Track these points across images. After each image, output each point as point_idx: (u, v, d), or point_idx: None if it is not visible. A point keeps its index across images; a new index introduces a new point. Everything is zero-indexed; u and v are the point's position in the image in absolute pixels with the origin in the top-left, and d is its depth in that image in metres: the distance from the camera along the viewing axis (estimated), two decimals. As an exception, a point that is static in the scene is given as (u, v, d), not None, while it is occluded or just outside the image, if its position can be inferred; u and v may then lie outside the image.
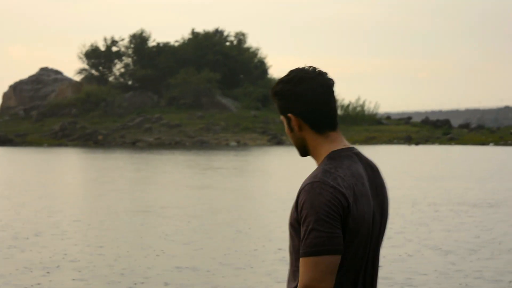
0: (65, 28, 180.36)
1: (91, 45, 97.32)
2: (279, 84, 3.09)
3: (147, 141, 74.32)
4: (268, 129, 78.32)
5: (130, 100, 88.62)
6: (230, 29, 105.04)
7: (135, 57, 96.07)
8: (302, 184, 2.97)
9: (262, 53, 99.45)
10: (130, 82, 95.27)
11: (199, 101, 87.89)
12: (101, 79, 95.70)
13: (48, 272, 12.24)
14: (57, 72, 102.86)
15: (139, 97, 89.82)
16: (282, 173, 36.69)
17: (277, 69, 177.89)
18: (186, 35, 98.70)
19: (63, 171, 38.61)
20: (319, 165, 3.02)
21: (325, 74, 3.07)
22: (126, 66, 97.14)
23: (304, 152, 3.13)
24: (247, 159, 49.26)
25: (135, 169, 39.82)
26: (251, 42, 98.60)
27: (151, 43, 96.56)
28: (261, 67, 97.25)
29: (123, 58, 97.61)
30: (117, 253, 14.09)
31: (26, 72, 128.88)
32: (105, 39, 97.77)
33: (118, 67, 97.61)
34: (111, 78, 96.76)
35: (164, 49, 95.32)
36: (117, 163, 45.03)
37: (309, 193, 2.90)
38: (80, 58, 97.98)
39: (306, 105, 3.02)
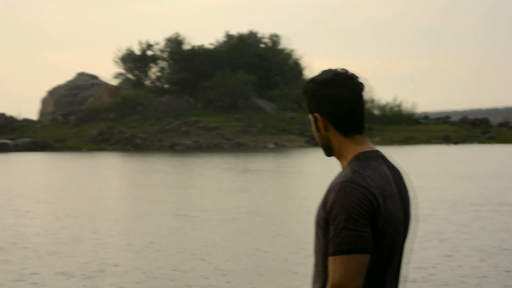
0: (101, 33, 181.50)
1: (127, 50, 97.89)
2: (310, 83, 3.13)
3: (185, 144, 74.57)
4: (306, 130, 78.19)
5: (167, 103, 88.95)
6: (264, 31, 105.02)
7: (170, 61, 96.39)
8: (331, 184, 3.00)
9: (297, 54, 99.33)
10: (166, 86, 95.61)
11: (236, 103, 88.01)
12: (138, 83, 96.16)
13: (89, 278, 12.32)
14: (94, 77, 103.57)
15: (176, 101, 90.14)
16: (320, 175, 36.62)
17: (313, 70, 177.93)
18: (221, 37, 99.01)
19: (102, 176, 38.85)
20: (347, 165, 3.05)
21: (356, 78, 3.09)
22: (161, 69, 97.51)
23: (329, 152, 3.16)
24: (285, 161, 49.24)
25: (174, 172, 39.98)
26: (286, 43, 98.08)
27: (186, 46, 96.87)
28: (296, 68, 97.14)
29: (159, 61, 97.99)
30: (157, 257, 14.16)
31: (63, 77, 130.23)
32: (140, 43, 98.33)
33: (154, 71, 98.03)
34: (147, 82, 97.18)
35: (199, 52, 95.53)
36: (156, 166, 45.23)
37: (339, 192, 2.93)
38: (116, 62, 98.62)
39: (333, 107, 3.04)
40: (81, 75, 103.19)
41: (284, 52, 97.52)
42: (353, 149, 3.07)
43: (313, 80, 3.11)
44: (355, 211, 2.90)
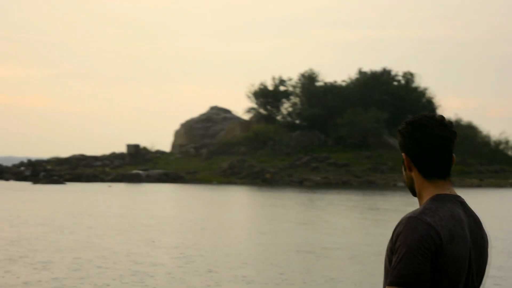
0: (235, 67, 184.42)
1: (260, 85, 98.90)
2: (404, 124, 3.25)
3: (314, 180, 74.51)
4: (436, 170, 76.86)
5: (298, 139, 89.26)
6: (397, 69, 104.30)
7: (302, 97, 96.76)
8: (400, 220, 3.09)
9: (430, 92, 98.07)
10: (297, 121, 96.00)
11: (366, 140, 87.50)
12: (269, 118, 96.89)
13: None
14: (227, 111, 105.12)
15: (307, 136, 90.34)
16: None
17: (446, 109, 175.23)
18: (353, 74, 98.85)
19: (230, 208, 39.19)
20: (423, 204, 3.13)
21: (449, 126, 3.18)
22: (293, 105, 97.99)
23: (413, 192, 3.27)
24: (413, 200, 48.44)
25: (301, 208, 39.94)
26: (419, 81, 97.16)
27: (319, 82, 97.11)
28: (429, 106, 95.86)
29: (291, 97, 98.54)
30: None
31: (197, 110, 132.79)
32: (273, 79, 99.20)
33: (285, 106, 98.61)
34: (278, 117, 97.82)
35: (331, 88, 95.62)
36: (284, 202, 45.33)
37: (405, 226, 3.02)
38: (249, 97, 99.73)
39: (417, 149, 3.16)
40: (214, 108, 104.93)
41: (417, 90, 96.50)
42: (432, 191, 3.16)
43: (407, 121, 3.23)
44: (416, 247, 2.98)
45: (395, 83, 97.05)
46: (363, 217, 32.98)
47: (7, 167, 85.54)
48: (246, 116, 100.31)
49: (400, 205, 42.19)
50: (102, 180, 76.80)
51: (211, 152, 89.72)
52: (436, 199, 3.12)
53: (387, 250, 3.13)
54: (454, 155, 3.22)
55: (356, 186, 71.18)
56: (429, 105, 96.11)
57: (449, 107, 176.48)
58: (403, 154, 3.22)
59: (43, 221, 29.28)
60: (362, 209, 38.37)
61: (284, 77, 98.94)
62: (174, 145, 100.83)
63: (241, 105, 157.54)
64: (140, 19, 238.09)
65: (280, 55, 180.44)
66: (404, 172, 3.27)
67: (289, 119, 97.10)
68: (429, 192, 3.16)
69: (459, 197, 3.17)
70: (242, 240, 23.85)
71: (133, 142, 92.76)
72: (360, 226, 28.53)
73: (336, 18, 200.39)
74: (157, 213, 34.15)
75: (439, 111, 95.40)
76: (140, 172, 79.16)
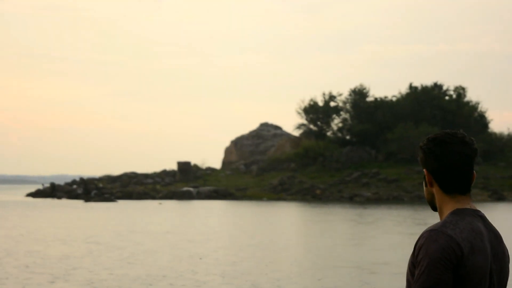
0: (285, 83, 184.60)
1: (310, 100, 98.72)
2: (425, 140, 3.33)
3: (365, 196, 74.09)
4: (488, 184, 76.00)
5: (348, 154, 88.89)
6: (449, 83, 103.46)
7: (353, 112, 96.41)
8: (422, 233, 3.15)
9: (482, 107, 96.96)
10: (347, 137, 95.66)
11: (417, 156, 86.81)
12: (319, 134, 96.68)
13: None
14: (277, 127, 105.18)
15: (357, 152, 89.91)
16: (505, 231, 35.27)
17: (498, 124, 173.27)
18: (404, 89, 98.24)
19: (280, 224, 39.10)
20: (444, 218, 3.20)
21: (470, 143, 3.25)
22: (343, 120, 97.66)
23: (433, 207, 3.34)
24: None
25: (350, 224, 39.70)
26: (471, 96, 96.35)
27: (369, 98, 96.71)
28: (481, 121, 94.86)
29: (341, 112, 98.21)
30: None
31: (247, 127, 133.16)
32: (323, 95, 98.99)
33: (336, 122, 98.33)
34: (329, 133, 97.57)
35: (381, 104, 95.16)
36: (333, 217, 45.13)
37: (426, 239, 3.09)
38: (299, 113, 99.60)
39: (438, 165, 3.23)
40: (264, 125, 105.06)
41: (469, 105, 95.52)
42: (452, 206, 3.23)
43: (428, 138, 3.32)
44: (437, 258, 3.04)
45: (447, 97, 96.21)
46: (412, 233, 32.65)
47: (59, 186, 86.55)
48: (296, 132, 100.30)
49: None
50: (153, 197, 77.27)
51: (261, 168, 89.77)
52: (456, 213, 3.19)
53: (408, 265, 3.19)
54: (475, 171, 3.29)
55: (406, 201, 70.62)
56: (481, 119, 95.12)
57: (501, 121, 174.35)
58: (424, 170, 3.31)
59: (92, 238, 29.51)
60: (411, 225, 38.01)
61: (334, 93, 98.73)
62: (224, 162, 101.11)
63: (291, 121, 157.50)
64: (191, 38, 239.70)
65: (330, 70, 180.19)
66: (425, 188, 3.34)
67: (339, 134, 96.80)
68: (450, 206, 3.23)
69: (479, 211, 3.24)
70: (290, 255, 23.78)
71: (183, 159, 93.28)
72: (408, 242, 28.24)
73: (387, 34, 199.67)
74: (206, 230, 34.22)
75: (491, 126, 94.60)
76: (191, 189, 79.47)
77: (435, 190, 3.27)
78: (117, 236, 30.45)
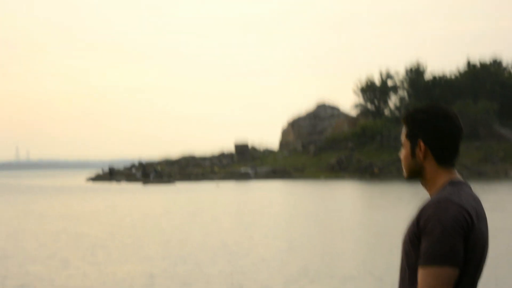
0: (341, 63, 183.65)
1: (367, 80, 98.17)
2: (421, 113, 3.34)
3: (423, 173, 73.42)
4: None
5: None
6: (507, 57, 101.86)
7: (410, 90, 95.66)
8: (425, 204, 3.16)
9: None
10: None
11: (477, 131, 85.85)
12: (376, 113, 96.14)
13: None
14: (334, 108, 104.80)
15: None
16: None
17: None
18: (461, 66, 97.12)
19: (338, 204, 38.99)
20: (441, 189, 3.22)
21: (458, 117, 3.33)
22: (401, 99, 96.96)
23: (413, 177, 3.37)
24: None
25: (409, 202, 39.47)
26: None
27: (427, 75, 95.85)
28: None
29: (399, 91, 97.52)
30: None
31: (304, 106, 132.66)
32: (380, 73, 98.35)
33: (393, 100, 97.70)
34: (386, 112, 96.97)
35: (439, 81, 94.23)
36: (391, 196, 44.89)
37: (436, 209, 3.09)
38: (356, 93, 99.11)
39: (440, 139, 3.28)
40: (321, 106, 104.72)
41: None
42: (446, 177, 3.26)
43: (426, 111, 3.33)
44: (450, 227, 3.06)
45: (505, 73, 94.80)
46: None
47: (119, 170, 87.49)
48: (354, 112, 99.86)
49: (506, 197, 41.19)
50: (211, 179, 77.64)
51: (319, 148, 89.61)
52: (453, 183, 3.23)
53: (408, 237, 3.19)
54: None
55: (466, 177, 69.90)
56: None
57: None
58: (419, 142, 3.31)
59: (153, 220, 29.81)
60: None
61: (391, 71, 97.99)
62: (281, 143, 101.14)
63: (348, 101, 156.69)
64: (247, 14, 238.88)
65: (387, 47, 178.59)
66: (409, 159, 3.35)
67: (396, 113, 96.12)
68: (443, 178, 3.26)
69: (467, 182, 3.29)
70: (346, 235, 23.73)
71: (241, 141, 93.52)
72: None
73: (443, 10, 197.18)
74: (265, 210, 34.31)
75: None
76: (248, 170, 79.70)
77: (428, 162, 3.29)
78: (179, 218, 30.68)
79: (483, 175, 71.98)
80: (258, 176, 77.88)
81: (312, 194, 49.18)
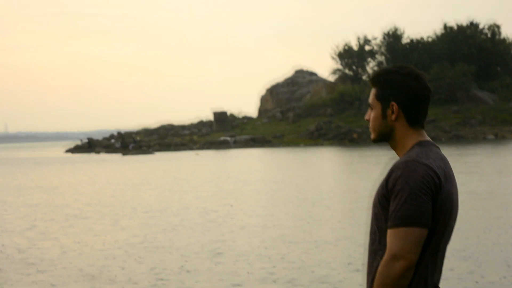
0: (318, 29, 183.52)
1: (345, 45, 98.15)
2: (393, 74, 3.29)
3: (402, 138, 73.65)
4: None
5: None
6: (482, 21, 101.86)
7: (388, 55, 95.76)
8: (393, 165, 3.18)
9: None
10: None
11: (454, 95, 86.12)
12: (355, 79, 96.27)
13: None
14: (312, 74, 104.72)
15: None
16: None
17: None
18: (438, 29, 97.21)
19: (318, 170, 39.07)
20: (410, 150, 3.23)
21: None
22: (379, 64, 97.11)
23: (382, 139, 3.35)
24: (505, 155, 47.50)
25: (387, 166, 39.56)
26: (507, 32, 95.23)
27: (404, 40, 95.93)
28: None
29: (376, 56, 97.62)
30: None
31: (281, 73, 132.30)
32: (358, 38, 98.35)
33: (371, 66, 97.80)
34: (364, 77, 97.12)
35: (417, 45, 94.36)
36: (371, 159, 45.07)
37: (404, 170, 3.11)
38: (334, 58, 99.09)
39: (413, 100, 3.26)
40: (299, 72, 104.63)
41: (505, 43, 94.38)
42: (415, 139, 3.27)
43: (397, 71, 3.28)
44: (418, 187, 3.07)
45: (482, 36, 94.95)
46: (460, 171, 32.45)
47: (98, 141, 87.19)
48: (332, 78, 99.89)
49: (492, 160, 41.40)
50: (191, 148, 77.59)
51: (298, 115, 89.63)
52: (422, 144, 3.24)
53: (377, 198, 3.21)
54: None
55: (444, 141, 70.22)
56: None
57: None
58: (392, 103, 3.27)
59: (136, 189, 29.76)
60: (457, 164, 37.76)
61: (369, 36, 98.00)
62: (260, 110, 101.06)
63: (326, 67, 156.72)
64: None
65: (364, 12, 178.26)
66: (379, 120, 3.31)
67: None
68: (412, 139, 3.27)
69: (435, 143, 3.32)
70: (324, 200, 23.78)
71: (219, 108, 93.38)
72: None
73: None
74: (244, 178, 34.34)
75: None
76: (228, 138, 79.68)
77: (399, 124, 3.28)
78: (157, 187, 30.64)
79: (461, 139, 72.27)
80: (238, 144, 77.88)
81: (291, 161, 49.24)
